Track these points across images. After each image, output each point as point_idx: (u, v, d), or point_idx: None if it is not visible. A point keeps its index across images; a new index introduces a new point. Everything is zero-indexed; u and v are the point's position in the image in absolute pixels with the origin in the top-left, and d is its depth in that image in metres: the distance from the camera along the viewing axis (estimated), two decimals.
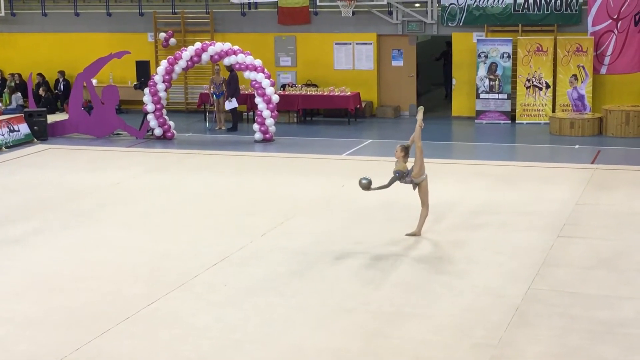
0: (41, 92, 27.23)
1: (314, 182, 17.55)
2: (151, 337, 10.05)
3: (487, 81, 24.38)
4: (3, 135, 21.99)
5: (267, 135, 22.21)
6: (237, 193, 16.76)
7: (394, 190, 16.49)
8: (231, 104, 23.62)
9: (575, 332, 9.92)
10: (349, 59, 25.98)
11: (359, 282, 11.69)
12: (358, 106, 25.07)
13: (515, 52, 24.17)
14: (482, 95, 24.50)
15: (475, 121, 24.54)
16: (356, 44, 25.86)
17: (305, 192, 16.70)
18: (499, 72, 24.25)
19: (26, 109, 24.11)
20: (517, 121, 24.25)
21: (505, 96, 24.36)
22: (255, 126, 22.32)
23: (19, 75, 28.16)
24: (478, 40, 24.51)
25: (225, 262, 12.60)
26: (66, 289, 11.68)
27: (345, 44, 25.91)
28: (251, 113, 24.88)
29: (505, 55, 24.18)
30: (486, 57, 24.30)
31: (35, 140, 22.76)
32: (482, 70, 24.37)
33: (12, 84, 28.12)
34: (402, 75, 25.92)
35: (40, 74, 27.76)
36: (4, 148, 21.75)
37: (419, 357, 9.34)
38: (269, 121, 22.12)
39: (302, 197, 16.35)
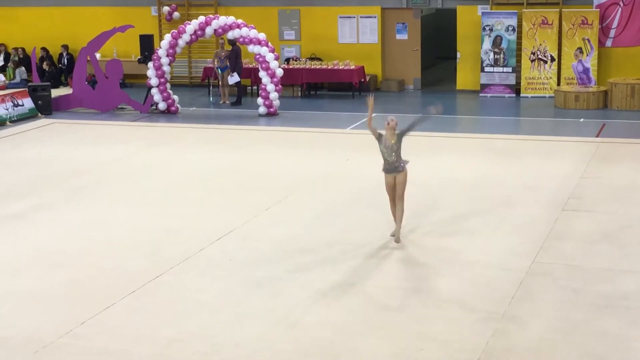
0: (45, 66, 27.19)
1: (318, 156, 17.54)
2: (155, 311, 10.08)
3: (491, 54, 24.28)
4: (7, 109, 21.98)
5: (271, 109, 22.17)
6: (241, 167, 16.76)
7: None
8: (233, 78, 23.57)
9: (579, 306, 9.93)
10: (353, 33, 25.89)
11: (362, 256, 11.70)
12: (362, 80, 25.00)
13: (520, 25, 24.05)
14: (486, 69, 24.40)
15: (480, 95, 24.46)
16: (360, 17, 25.75)
17: (310, 166, 16.69)
18: (503, 45, 24.14)
19: (30, 84, 24.08)
20: (521, 94, 24.17)
21: (510, 69, 24.26)
22: (260, 100, 22.28)
23: (23, 49, 28.11)
24: (483, 13, 24.38)
25: (229, 237, 12.61)
26: (69, 264, 11.71)
27: (350, 17, 25.81)
28: (255, 87, 24.83)
29: (510, 29, 24.07)
30: (491, 30, 24.19)
31: (39, 114, 22.75)
32: (487, 44, 24.25)
33: (16, 58, 28.08)
34: (407, 49, 25.82)
35: (44, 48, 27.69)
36: (8, 122, 21.75)
37: (422, 332, 9.36)
38: (273, 95, 22.08)
39: (307, 171, 16.34)
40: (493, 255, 11.67)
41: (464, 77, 25.19)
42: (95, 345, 9.25)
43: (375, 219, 13.28)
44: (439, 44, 29.19)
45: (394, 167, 12.04)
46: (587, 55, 23.55)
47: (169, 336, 9.42)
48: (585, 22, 23.52)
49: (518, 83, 24.31)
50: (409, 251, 11.90)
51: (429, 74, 27.25)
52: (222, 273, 11.24)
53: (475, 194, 14.56)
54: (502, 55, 24.23)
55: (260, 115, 22.16)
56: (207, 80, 25.44)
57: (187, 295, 10.51)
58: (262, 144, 18.86)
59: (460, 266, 11.31)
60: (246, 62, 24.50)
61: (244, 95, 24.50)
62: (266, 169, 16.61)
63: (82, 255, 12.05)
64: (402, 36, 25.83)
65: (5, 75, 27.55)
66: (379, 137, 12.11)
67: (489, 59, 24.32)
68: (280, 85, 22.27)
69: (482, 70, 24.46)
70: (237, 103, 23.98)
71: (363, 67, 25.09)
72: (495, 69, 24.33)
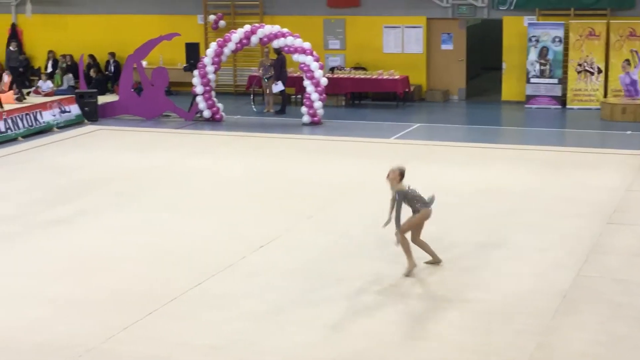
0: (92, 73, 27.45)
1: (361, 165, 17.51)
2: (197, 318, 10.12)
3: (537, 65, 24.10)
4: (54, 115, 22.24)
5: (315, 118, 22.20)
6: (284, 175, 16.79)
7: (445, 174, 16.44)
8: (277, 87, 23.63)
9: (622, 320, 9.81)
10: (398, 42, 25.84)
11: (403, 267, 11.64)
12: (407, 90, 24.94)
13: (567, 37, 23.86)
14: (532, 80, 24.23)
15: (525, 106, 24.29)
16: (405, 27, 25.70)
17: (353, 175, 16.67)
18: (550, 56, 23.96)
19: (77, 90, 24.36)
20: (567, 106, 23.96)
21: (556, 81, 24.06)
22: (304, 109, 22.32)
23: (71, 56, 28.41)
24: (529, 24, 24.23)
25: (272, 245, 12.63)
26: (113, 269, 11.80)
27: (395, 27, 25.77)
28: (299, 96, 24.88)
29: (556, 40, 23.88)
30: (537, 41, 24.02)
31: (86, 121, 22.98)
32: (533, 55, 24.09)
33: (64, 65, 28.39)
34: (452, 59, 25.72)
35: (91, 56, 27.98)
36: (55, 128, 21.99)
37: (462, 343, 9.30)
38: (317, 104, 22.10)
39: (350, 180, 16.33)
40: (536, 267, 11.57)
41: (509, 88, 25.03)
42: (137, 351, 9.30)
43: None
44: (484, 55, 29.05)
45: (417, 204, 11.53)
46: (634, 67, 23.28)
47: (210, 343, 9.44)
48: (634, 33, 23.27)
49: (564, 94, 24.10)
50: (451, 261, 11.82)
51: (474, 85, 27.12)
52: (264, 281, 11.25)
53: (519, 205, 14.45)
54: (548, 67, 24.04)
55: (304, 124, 22.19)
56: (251, 89, 25.55)
57: (228, 302, 10.53)
58: (306, 153, 18.88)
59: (502, 277, 11.22)
60: (291, 71, 24.55)
61: (288, 104, 24.56)
62: (309, 177, 16.62)
63: (125, 260, 12.14)
64: (448, 46, 25.74)
65: (53, 82, 27.87)
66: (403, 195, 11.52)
67: (534, 70, 24.15)
68: (324, 95, 22.28)
69: (528, 81, 24.29)
70: (281, 112, 24.03)
71: (407, 77, 25.03)
72: (541, 80, 24.14)
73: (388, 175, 11.57)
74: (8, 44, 24.84)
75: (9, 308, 10.48)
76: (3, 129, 20.62)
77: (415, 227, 11.53)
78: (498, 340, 9.37)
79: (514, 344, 9.27)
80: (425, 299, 10.57)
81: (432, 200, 11.63)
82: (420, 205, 11.47)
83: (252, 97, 25.06)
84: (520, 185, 15.73)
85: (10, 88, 25.33)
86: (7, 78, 25.58)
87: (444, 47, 25.76)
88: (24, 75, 26.33)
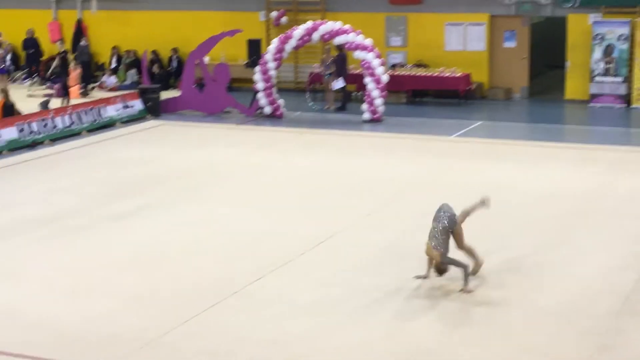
0: (155, 69, 27.73)
1: (422, 163, 17.43)
2: (256, 313, 10.16)
3: (602, 64, 23.76)
4: (118, 111, 22.50)
5: (376, 115, 22.14)
6: (344, 172, 16.78)
7: (507, 172, 16.31)
8: (338, 84, 23.61)
9: None
10: (460, 40, 25.66)
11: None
12: (468, 87, 24.77)
13: (632, 34, 23.47)
14: (596, 79, 23.89)
15: (589, 105, 23.96)
16: (468, 24, 25.52)
17: (413, 173, 16.60)
18: (615, 54, 23.60)
19: (140, 86, 24.61)
20: (632, 105, 23.58)
21: (620, 79, 23.70)
22: (364, 106, 22.28)
23: (134, 52, 28.72)
24: (594, 22, 23.89)
25: (330, 241, 12.63)
26: (173, 264, 11.91)
27: (457, 24, 25.59)
28: (360, 93, 24.83)
29: (622, 38, 23.52)
30: (602, 39, 23.68)
31: (148, 116, 23.22)
32: (598, 53, 23.75)
33: (128, 60, 28.72)
34: (515, 57, 25.46)
35: (154, 52, 28.25)
36: (118, 123, 22.26)
37: (523, 344, 9.21)
38: (378, 101, 22.05)
39: (410, 177, 16.27)
40: (599, 268, 11.41)
41: (573, 87, 24.71)
42: (197, 345, 9.37)
43: (476, 227, 13.11)
44: (547, 53, 28.69)
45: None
46: None
47: (269, 338, 9.47)
48: None
49: (629, 93, 23.72)
50: (511, 261, 11.71)
51: (537, 83, 26.80)
52: (323, 277, 11.25)
53: (583, 205, 14.27)
54: (613, 65, 23.69)
55: (365, 121, 22.15)
56: (312, 85, 25.60)
57: (287, 298, 10.55)
58: (366, 150, 18.84)
59: (566, 278, 11.09)
60: (352, 68, 24.53)
61: (348, 101, 24.53)
62: (369, 174, 16.59)
63: (186, 254, 12.24)
64: (510, 44, 25.49)
65: (117, 78, 28.23)
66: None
67: (599, 69, 23.81)
68: (385, 92, 22.22)
69: (592, 79, 23.96)
70: (341, 108, 24.02)
71: (469, 74, 24.85)
72: (606, 79, 23.79)
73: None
74: (74, 40, 25.18)
75: (75, 301, 10.63)
76: (68, 124, 20.92)
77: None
78: (559, 342, 9.25)
79: (578, 345, 9.15)
80: (487, 299, 10.47)
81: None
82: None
83: (308, 94, 25.09)
84: (585, 184, 15.53)
85: (78, 82, 25.78)
86: (74, 72, 25.96)
87: (506, 44, 25.52)
88: (88, 70, 26.68)
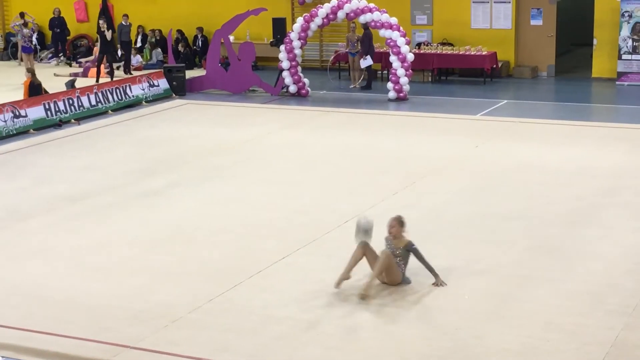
0: (180, 48, 27.77)
1: (447, 142, 17.38)
2: (283, 291, 10.20)
3: (630, 41, 23.55)
4: (143, 90, 22.57)
5: (401, 94, 22.09)
6: (369, 151, 16.77)
7: (534, 151, 16.24)
8: (366, 62, 23.56)
9: None
10: (487, 18, 25.51)
11: (489, 243, 11.56)
12: (494, 66, 24.64)
13: None
14: (624, 56, 23.70)
15: (617, 83, 23.78)
16: (494, 2, 25.34)
17: (438, 152, 16.57)
18: None
19: (165, 65, 24.67)
20: None
21: None
22: (390, 85, 22.23)
23: (159, 31, 28.76)
24: None
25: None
26: (201, 241, 11.97)
27: (483, 2, 25.42)
28: (385, 71, 24.78)
29: None
30: (630, 16, 23.46)
31: (174, 95, 23.27)
32: (625, 30, 23.54)
33: (153, 40, 28.77)
34: (541, 35, 25.29)
35: (179, 31, 28.28)
36: (144, 102, 22.33)
37: (550, 322, 9.19)
38: (403, 80, 21.99)
39: (435, 156, 16.24)
40: (627, 247, 11.36)
41: (600, 65, 24.53)
42: (223, 322, 9.42)
43: (503, 206, 13.11)
44: (574, 30, 28.49)
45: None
46: None
47: (295, 316, 9.51)
48: None
49: None
50: (540, 239, 11.68)
51: (564, 61, 26.63)
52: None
53: (611, 184, 14.19)
54: None
55: (390, 100, 22.10)
56: (337, 64, 25.57)
57: (313, 276, 10.58)
58: (391, 129, 18.81)
59: (592, 257, 11.05)
60: (377, 47, 24.45)
61: (374, 79, 24.48)
62: (395, 153, 16.57)
63: (213, 233, 12.30)
64: (537, 22, 25.32)
65: (142, 57, 28.29)
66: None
67: (627, 46, 23.61)
68: (410, 70, 22.15)
69: (620, 57, 23.77)
70: (367, 87, 23.98)
71: (495, 53, 24.72)
72: (634, 57, 23.58)
73: (390, 231, 10.26)
74: (99, 18, 25.16)
75: (104, 278, 10.71)
76: (94, 103, 21.01)
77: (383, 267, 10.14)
78: (586, 320, 9.23)
79: (602, 324, 9.13)
80: (514, 278, 10.45)
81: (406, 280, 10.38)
82: (402, 268, 10.26)
83: (329, 71, 25.09)
84: (612, 163, 15.44)
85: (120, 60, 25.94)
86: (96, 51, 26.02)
87: (533, 22, 25.35)
88: (129, 51, 26.59)
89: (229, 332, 9.19)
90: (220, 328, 9.29)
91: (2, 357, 8.81)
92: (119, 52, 26.96)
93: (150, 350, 8.83)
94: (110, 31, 24.66)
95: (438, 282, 10.20)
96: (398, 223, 10.30)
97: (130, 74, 25.36)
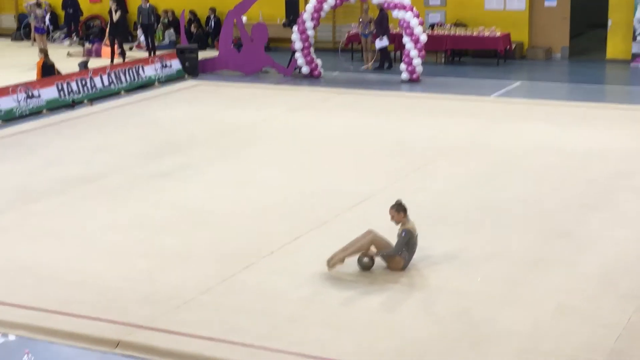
0: (193, 28, 27.73)
1: (461, 123, 17.32)
2: (294, 272, 10.20)
3: None
4: (156, 70, 22.56)
5: (414, 75, 22.01)
6: (381, 133, 16.73)
7: (547, 133, 16.17)
8: (382, 42, 23.45)
9: None
10: None
11: (501, 227, 11.53)
12: (508, 47, 24.53)
13: None
14: (639, 38, 23.53)
15: (631, 64, 23.63)
16: None
17: (452, 134, 16.51)
18: None
19: (178, 45, 24.64)
20: None
21: None
22: (402, 66, 22.15)
23: (172, 12, 28.72)
24: None
25: (368, 202, 12.62)
26: (212, 222, 11.98)
27: None
28: (398, 53, 24.69)
29: None
30: None
31: (186, 76, 23.25)
32: None
33: (166, 20, 28.72)
34: (555, 16, 25.14)
35: (192, 11, 28.22)
36: (156, 83, 22.33)
37: (562, 305, 9.17)
38: (417, 61, 21.90)
39: (448, 138, 16.19)
40: (639, 230, 11.31)
41: (615, 46, 24.38)
42: (234, 303, 9.43)
43: (515, 189, 13.07)
44: (589, 12, 28.29)
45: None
46: None
47: (306, 297, 9.52)
48: None
49: None
50: (553, 222, 11.64)
51: (578, 43, 26.47)
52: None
53: (624, 167, 14.12)
54: None
55: (403, 81, 22.02)
56: (350, 45, 25.50)
57: (325, 258, 10.57)
58: (404, 110, 18.76)
59: (604, 240, 11.01)
60: (390, 28, 24.36)
61: (388, 61, 24.39)
62: (407, 135, 16.53)
63: (224, 214, 12.30)
64: (551, 3, 25.16)
65: (155, 37, 28.24)
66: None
67: None
68: (423, 51, 22.06)
69: (634, 39, 23.62)
70: (380, 68, 23.91)
71: (509, 34, 24.59)
72: None
73: (392, 217, 10.31)
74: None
75: (116, 259, 10.74)
76: (107, 83, 21.02)
77: (361, 248, 10.22)
78: (598, 303, 9.21)
79: (614, 307, 9.10)
80: (527, 260, 10.43)
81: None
82: (404, 254, 10.18)
83: (340, 52, 25.05)
84: (626, 146, 15.36)
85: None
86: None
87: (547, 3, 25.20)
88: (150, 34, 26.38)
89: (240, 313, 9.20)
90: (231, 309, 9.30)
91: (15, 337, 8.86)
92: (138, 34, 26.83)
93: (162, 330, 8.85)
94: (118, 13, 24.56)
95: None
96: (395, 211, 10.28)
97: (124, 54, 24.96)
